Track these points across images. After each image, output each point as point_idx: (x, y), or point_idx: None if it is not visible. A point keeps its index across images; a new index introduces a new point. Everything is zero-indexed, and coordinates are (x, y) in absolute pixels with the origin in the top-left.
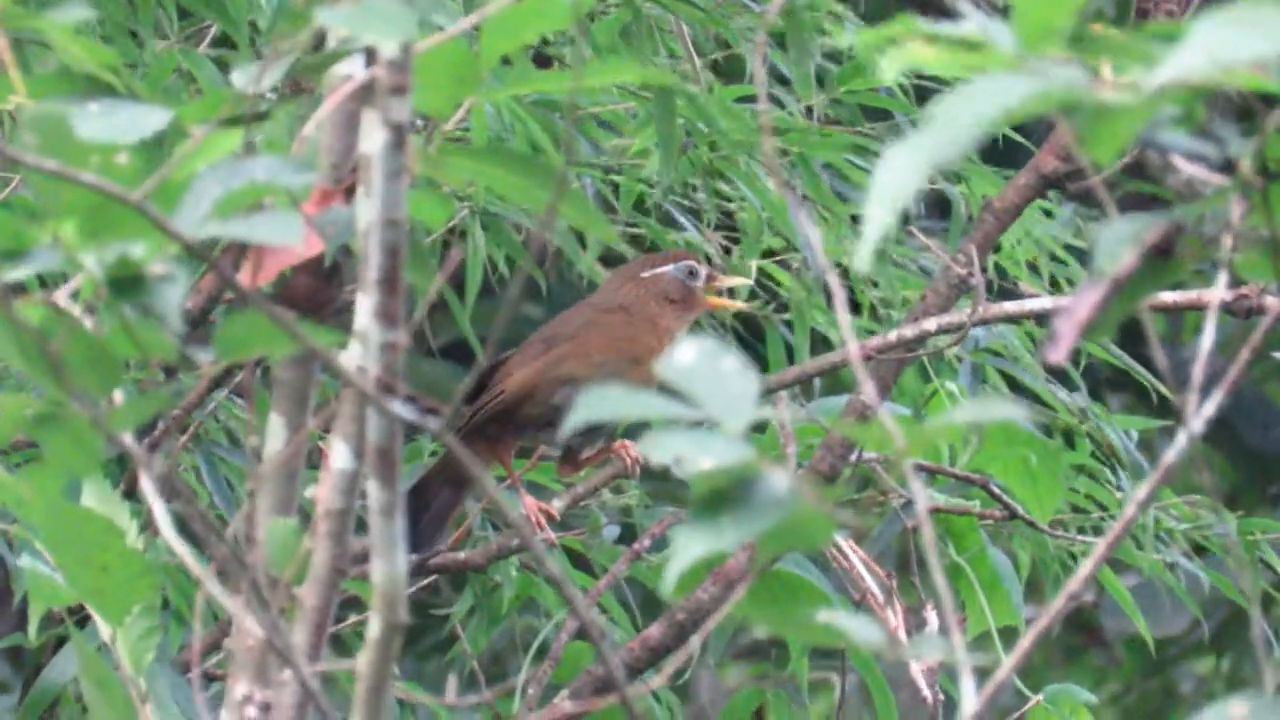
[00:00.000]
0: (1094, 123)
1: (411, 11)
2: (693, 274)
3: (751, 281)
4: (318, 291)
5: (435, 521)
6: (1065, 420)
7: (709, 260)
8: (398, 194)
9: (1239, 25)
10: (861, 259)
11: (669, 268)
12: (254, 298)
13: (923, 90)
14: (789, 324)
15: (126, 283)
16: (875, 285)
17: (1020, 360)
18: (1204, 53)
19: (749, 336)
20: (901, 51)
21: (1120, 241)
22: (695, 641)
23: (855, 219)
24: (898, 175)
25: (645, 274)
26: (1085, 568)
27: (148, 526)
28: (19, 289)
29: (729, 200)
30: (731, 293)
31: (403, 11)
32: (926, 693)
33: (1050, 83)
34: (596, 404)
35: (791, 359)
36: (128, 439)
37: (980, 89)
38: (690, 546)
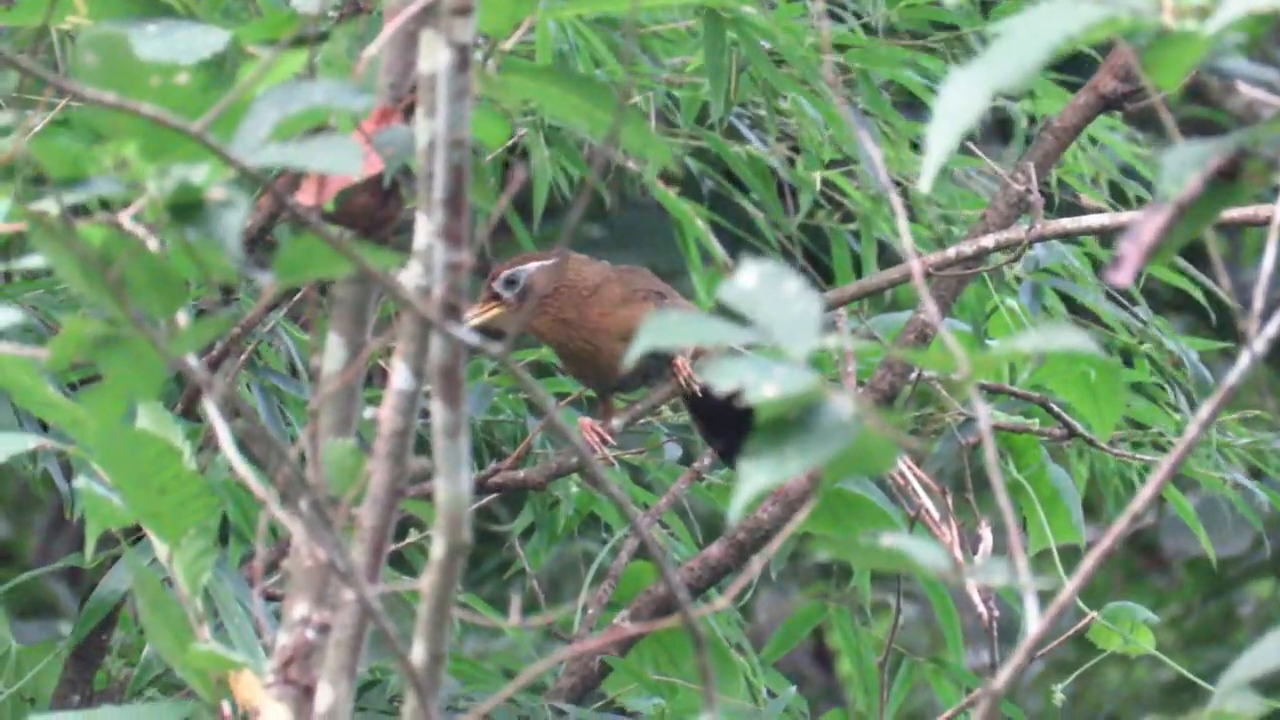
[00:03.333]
0: (1158, 49)
1: None
2: (511, 283)
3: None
4: (376, 210)
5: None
6: (1124, 340)
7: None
8: (462, 114)
9: None
10: (925, 181)
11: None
12: (311, 221)
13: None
14: (855, 234)
15: (187, 207)
16: (937, 204)
17: (1079, 279)
18: None
19: (814, 248)
20: None
21: (1185, 165)
22: (756, 564)
23: (915, 141)
24: (962, 98)
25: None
26: (1149, 487)
27: (205, 446)
28: (80, 210)
29: (789, 116)
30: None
31: None
32: (983, 610)
33: (1117, 8)
34: (659, 331)
35: (858, 268)
36: (190, 360)
37: (1046, 13)
38: (756, 475)
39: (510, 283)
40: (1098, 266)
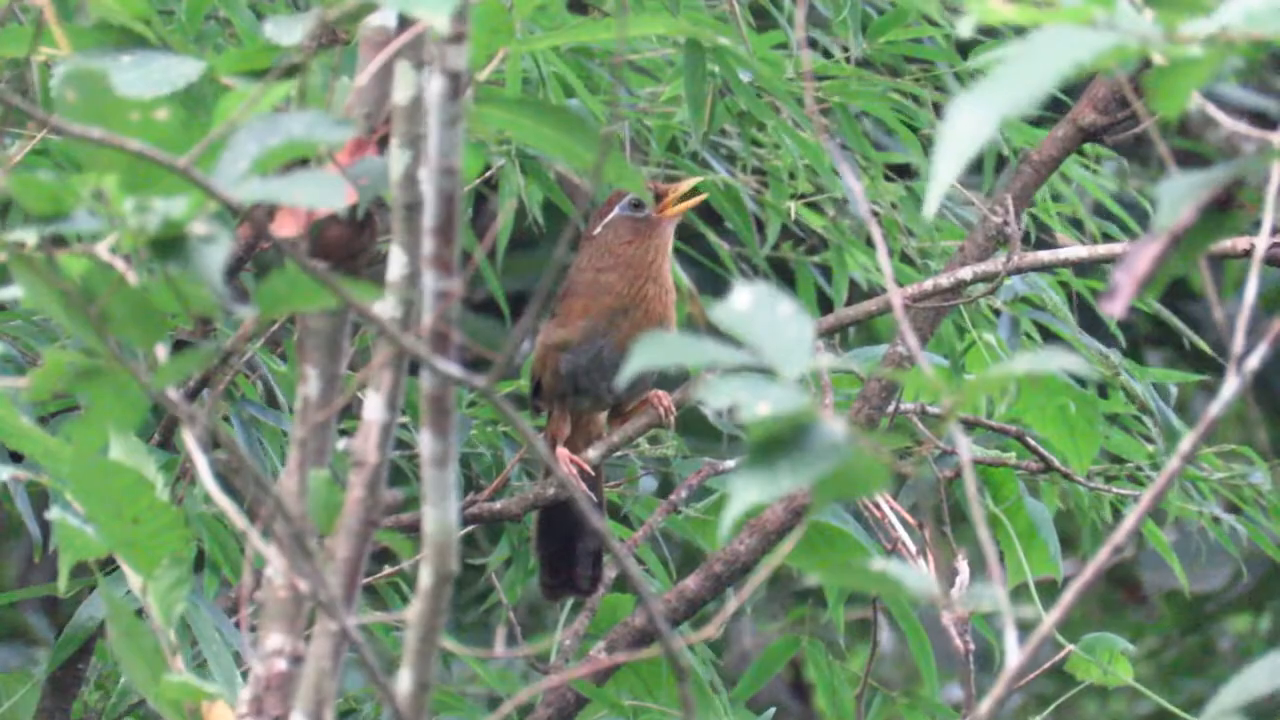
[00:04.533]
0: (1160, 75)
1: None
2: (637, 205)
3: (696, 180)
4: (350, 242)
5: (592, 561)
6: (1101, 371)
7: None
8: (453, 141)
9: None
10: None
11: (611, 213)
12: (295, 254)
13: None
14: (819, 267)
15: (169, 241)
16: (911, 234)
17: (1056, 312)
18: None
19: (779, 281)
20: (979, 6)
21: (1180, 195)
22: (734, 601)
23: (892, 170)
24: (968, 125)
25: (595, 230)
26: (1130, 519)
27: (183, 477)
28: (59, 240)
29: (761, 145)
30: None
31: None
32: (959, 642)
33: (1125, 35)
34: (651, 351)
35: (823, 302)
36: (171, 393)
37: (1052, 41)
38: (746, 492)
39: (636, 205)
40: (1073, 300)
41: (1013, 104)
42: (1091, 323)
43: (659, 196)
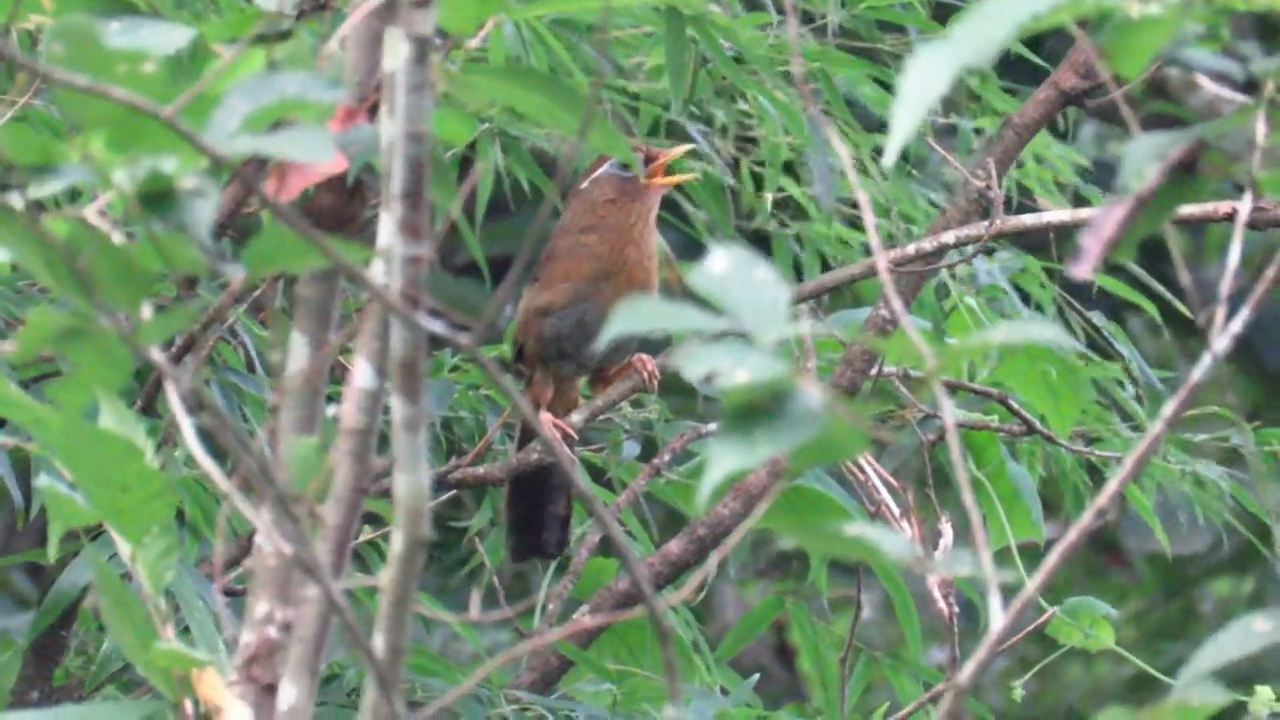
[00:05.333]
0: (1119, 35)
1: None
2: (625, 166)
3: (690, 147)
4: (341, 209)
5: (559, 525)
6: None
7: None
8: (421, 108)
9: None
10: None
11: (599, 170)
12: (285, 213)
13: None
14: (795, 239)
15: (157, 198)
16: (887, 215)
17: (1032, 288)
18: None
19: (755, 251)
20: None
21: (1146, 158)
22: (714, 559)
23: (876, 149)
24: (926, 78)
25: (581, 186)
26: (1113, 482)
27: (166, 441)
28: (41, 206)
29: (746, 117)
30: (672, 170)
31: None
32: (943, 606)
33: None
34: (629, 317)
35: (799, 274)
36: (155, 353)
37: None
38: (723, 460)
39: (625, 166)
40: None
41: (970, 56)
42: (1075, 289)
43: (649, 160)
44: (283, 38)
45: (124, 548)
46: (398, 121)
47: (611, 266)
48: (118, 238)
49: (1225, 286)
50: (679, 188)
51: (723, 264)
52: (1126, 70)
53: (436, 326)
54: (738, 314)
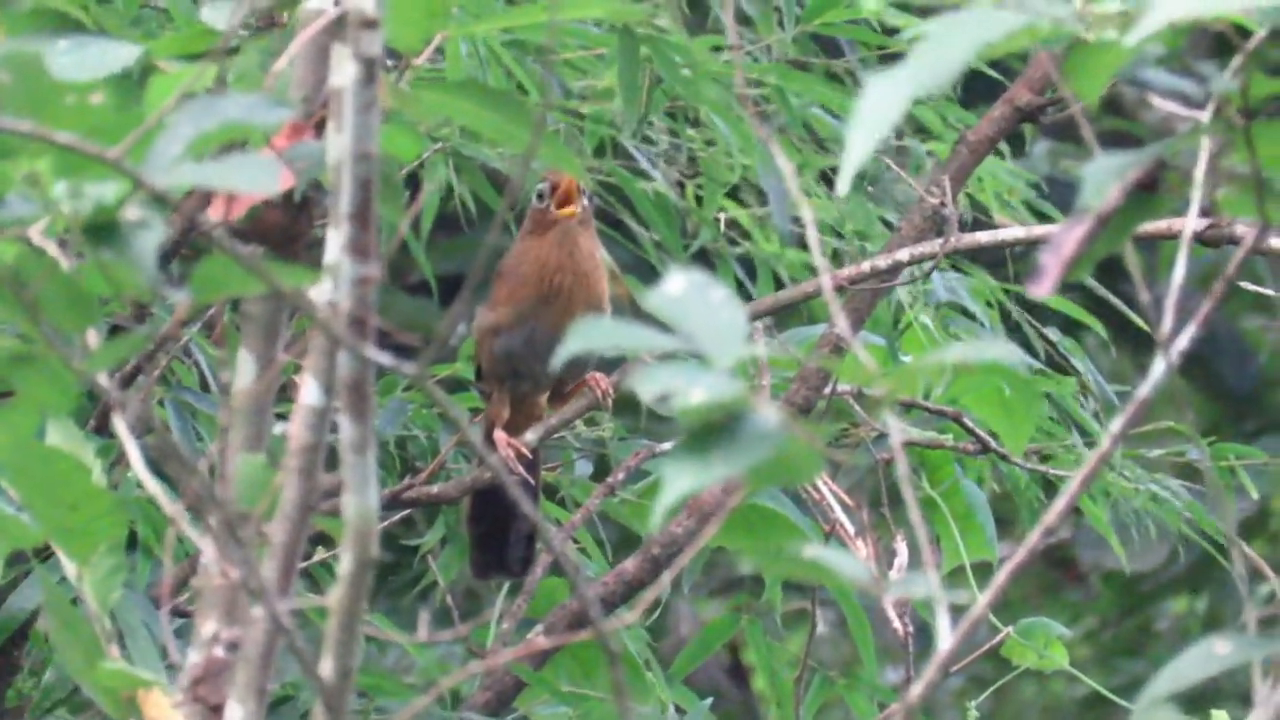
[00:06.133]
0: (1079, 57)
1: None
2: (540, 196)
3: (576, 172)
4: (288, 226)
5: (525, 542)
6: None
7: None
8: (369, 127)
9: None
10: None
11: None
12: (223, 241)
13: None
14: (740, 260)
15: (102, 226)
16: (840, 236)
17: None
18: None
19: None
20: None
21: (1105, 176)
22: (666, 577)
23: (831, 169)
24: (881, 103)
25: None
26: (1062, 499)
27: (118, 462)
28: None
29: (693, 140)
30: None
31: None
32: (898, 625)
33: (1037, 16)
34: (584, 336)
35: (745, 294)
36: (103, 379)
37: (966, 21)
38: (679, 481)
39: (540, 195)
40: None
41: (925, 83)
42: (1032, 304)
43: (554, 189)
44: (232, 54)
45: (70, 567)
46: (346, 141)
47: (548, 291)
48: (65, 262)
49: (1171, 301)
50: (628, 207)
51: (679, 285)
52: (1086, 91)
53: (382, 357)
54: (694, 335)
